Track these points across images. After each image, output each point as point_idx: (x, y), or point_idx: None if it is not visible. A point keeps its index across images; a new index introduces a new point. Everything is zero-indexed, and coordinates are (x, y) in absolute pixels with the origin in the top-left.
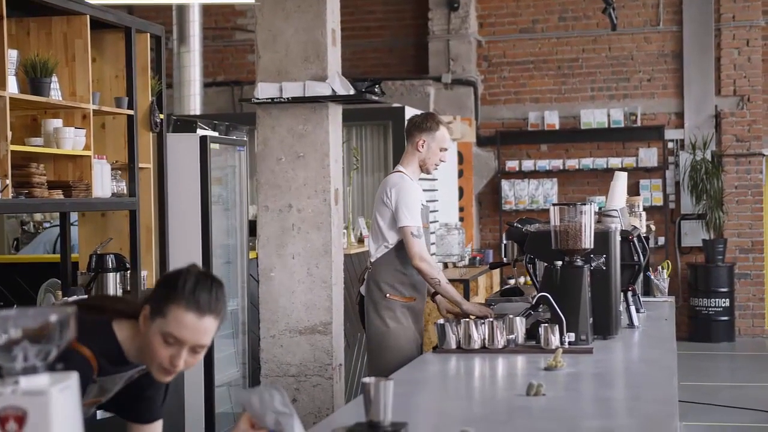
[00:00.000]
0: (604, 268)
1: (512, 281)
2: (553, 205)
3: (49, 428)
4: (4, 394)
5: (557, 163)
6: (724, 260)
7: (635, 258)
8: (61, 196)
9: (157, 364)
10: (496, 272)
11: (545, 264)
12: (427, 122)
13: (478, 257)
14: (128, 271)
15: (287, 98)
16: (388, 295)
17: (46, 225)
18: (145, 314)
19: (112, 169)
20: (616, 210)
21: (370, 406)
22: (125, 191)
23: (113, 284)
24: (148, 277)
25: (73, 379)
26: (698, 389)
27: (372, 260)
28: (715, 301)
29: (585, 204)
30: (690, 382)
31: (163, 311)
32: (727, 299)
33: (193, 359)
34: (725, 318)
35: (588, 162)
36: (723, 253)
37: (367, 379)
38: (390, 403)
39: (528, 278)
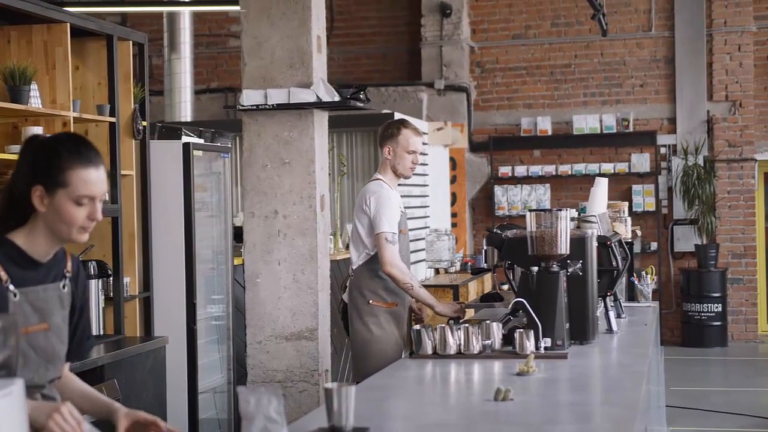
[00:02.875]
0: (581, 273)
1: (505, 287)
2: (530, 210)
3: None
4: None
5: (550, 169)
6: (717, 265)
7: (614, 263)
8: None
9: (77, 228)
10: (488, 278)
11: (522, 269)
12: (388, 129)
13: (470, 263)
14: (110, 278)
15: (272, 105)
16: (370, 301)
17: None
18: (39, 195)
19: None
20: (595, 215)
21: (332, 411)
22: (107, 198)
23: (95, 291)
24: (131, 283)
25: (17, 385)
26: (689, 394)
27: (353, 267)
28: (708, 306)
29: (561, 210)
30: (681, 387)
31: (62, 182)
32: (720, 304)
33: (100, 213)
34: (718, 323)
35: (581, 167)
36: (715, 258)
37: (328, 385)
38: (352, 409)
39: None
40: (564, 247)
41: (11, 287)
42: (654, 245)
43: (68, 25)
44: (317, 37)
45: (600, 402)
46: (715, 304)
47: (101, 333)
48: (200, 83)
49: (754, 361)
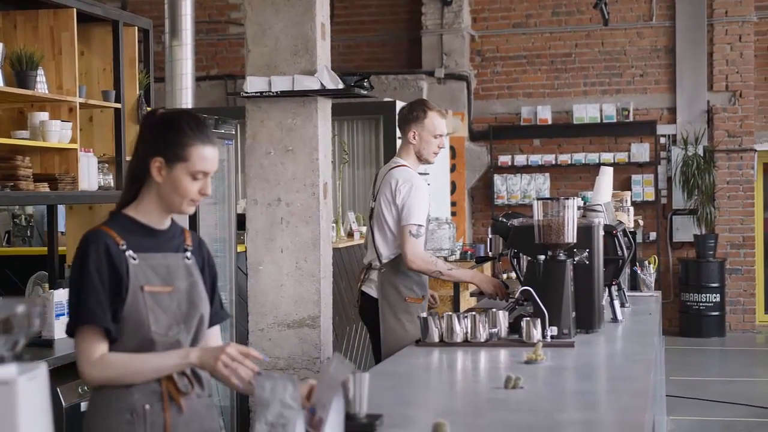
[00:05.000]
0: (587, 262)
1: (505, 276)
2: (537, 199)
3: (17, 418)
4: None
5: (549, 158)
6: (715, 255)
7: (619, 252)
8: (47, 189)
9: (188, 200)
10: (488, 266)
11: (528, 258)
12: (413, 112)
13: (469, 252)
14: None
15: (276, 92)
16: (407, 298)
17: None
18: (158, 166)
19: (100, 162)
20: (601, 205)
21: (346, 398)
22: (112, 184)
23: None
24: None
25: (40, 370)
26: (688, 384)
27: (383, 261)
28: (706, 296)
29: (568, 199)
30: (680, 376)
31: (183, 157)
32: (718, 294)
33: (210, 188)
34: (716, 313)
35: (580, 157)
36: (714, 249)
37: None
38: (366, 396)
39: None
40: (571, 236)
41: (130, 252)
42: (653, 235)
43: (75, 10)
44: (321, 24)
45: (610, 390)
46: (714, 294)
47: None
48: (200, 70)
49: (752, 351)
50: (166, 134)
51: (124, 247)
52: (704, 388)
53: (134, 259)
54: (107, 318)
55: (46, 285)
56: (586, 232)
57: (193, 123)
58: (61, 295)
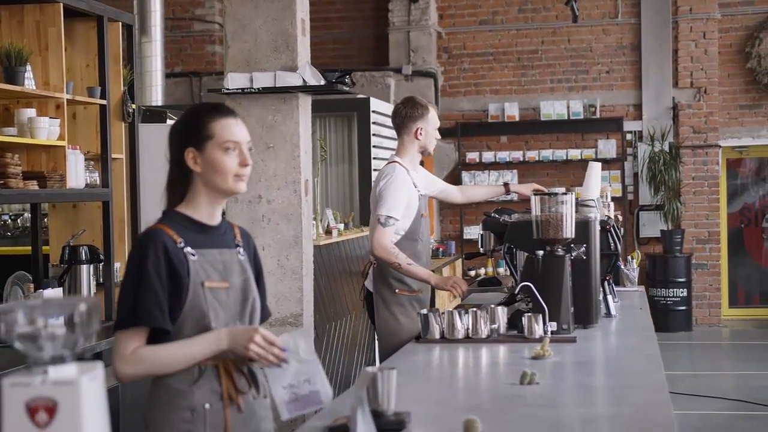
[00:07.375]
0: (585, 257)
1: (472, 273)
2: (535, 194)
3: (80, 417)
4: (33, 384)
5: (517, 155)
6: (682, 251)
7: (612, 247)
8: (36, 187)
9: (232, 176)
10: (459, 263)
11: (526, 254)
12: (417, 110)
13: (440, 249)
14: (101, 263)
15: (257, 89)
16: (397, 290)
17: (5, 217)
18: (192, 156)
19: (86, 160)
20: (593, 200)
21: (374, 394)
22: (98, 182)
23: (86, 276)
24: (122, 269)
25: (99, 369)
26: None
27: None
28: (673, 291)
29: (566, 194)
30: None
31: (208, 135)
32: (685, 289)
33: (250, 158)
34: (683, 308)
35: (548, 153)
36: (680, 244)
37: (371, 369)
38: (394, 392)
39: (491, 269)
40: (569, 231)
41: (188, 249)
42: (620, 231)
43: (61, 5)
44: (301, 20)
45: (627, 386)
46: (680, 289)
47: None
48: (165, 67)
49: (719, 345)
50: (187, 126)
51: (182, 244)
52: (675, 383)
53: (193, 255)
54: (166, 319)
55: (31, 285)
56: (583, 227)
57: (207, 106)
58: (50, 295)
